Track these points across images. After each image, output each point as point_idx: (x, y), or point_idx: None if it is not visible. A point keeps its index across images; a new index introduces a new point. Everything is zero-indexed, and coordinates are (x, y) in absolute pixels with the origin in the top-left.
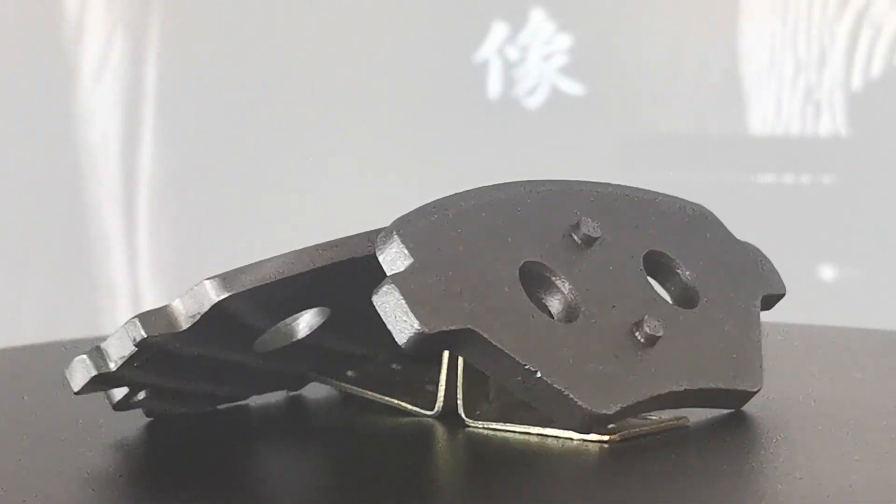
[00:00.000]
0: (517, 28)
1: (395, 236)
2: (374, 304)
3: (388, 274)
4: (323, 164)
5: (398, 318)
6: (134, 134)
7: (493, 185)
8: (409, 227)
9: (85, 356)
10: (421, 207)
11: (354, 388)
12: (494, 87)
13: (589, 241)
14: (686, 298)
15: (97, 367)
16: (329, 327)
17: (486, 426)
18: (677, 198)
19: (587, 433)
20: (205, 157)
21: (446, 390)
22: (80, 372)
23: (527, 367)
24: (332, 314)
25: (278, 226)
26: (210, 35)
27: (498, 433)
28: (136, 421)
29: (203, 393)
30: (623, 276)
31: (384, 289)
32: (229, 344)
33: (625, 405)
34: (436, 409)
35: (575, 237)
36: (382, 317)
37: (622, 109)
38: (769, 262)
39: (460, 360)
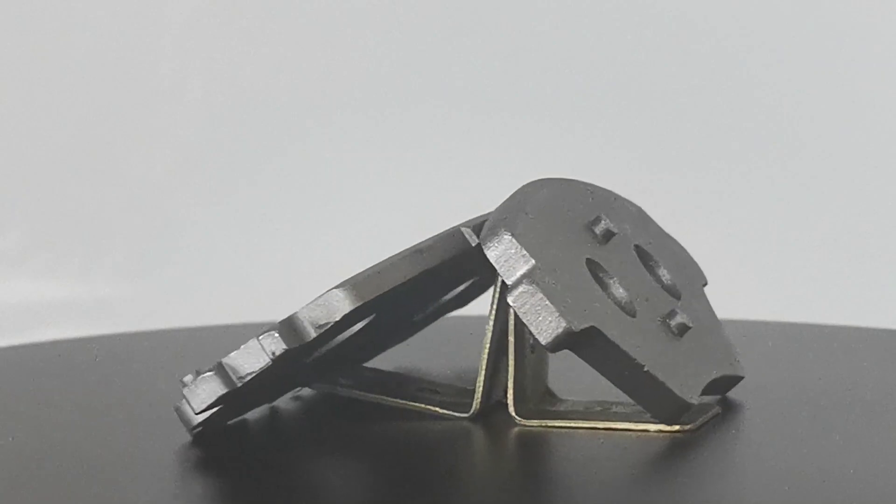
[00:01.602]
0: None
1: (510, 237)
2: (511, 304)
3: (505, 276)
4: (319, 183)
5: (543, 317)
6: None
7: (530, 184)
8: (517, 228)
9: (211, 373)
10: (504, 206)
11: (380, 396)
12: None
13: (608, 237)
14: (672, 290)
15: (226, 384)
16: (360, 332)
17: (542, 425)
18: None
19: (673, 424)
20: (190, 198)
21: (482, 391)
22: (207, 391)
23: (636, 361)
24: (374, 319)
25: (265, 258)
26: (194, 75)
27: (553, 430)
28: (148, 431)
29: (256, 402)
30: (636, 269)
31: (523, 289)
32: (314, 348)
33: (699, 393)
34: (472, 411)
35: (596, 232)
36: (521, 317)
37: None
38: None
39: (511, 359)
